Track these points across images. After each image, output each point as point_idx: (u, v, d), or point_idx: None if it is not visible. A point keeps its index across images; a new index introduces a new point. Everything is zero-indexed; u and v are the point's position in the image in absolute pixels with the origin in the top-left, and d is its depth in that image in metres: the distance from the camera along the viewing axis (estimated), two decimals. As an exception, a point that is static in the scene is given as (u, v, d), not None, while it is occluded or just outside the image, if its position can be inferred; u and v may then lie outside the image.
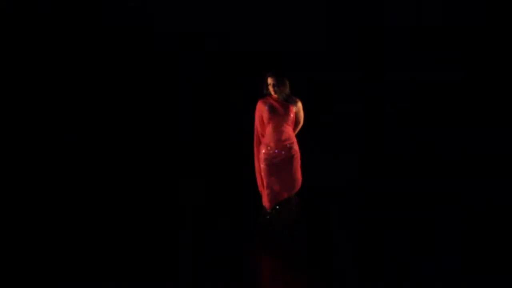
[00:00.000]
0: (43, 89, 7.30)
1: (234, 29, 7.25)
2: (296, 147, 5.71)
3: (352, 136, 7.29)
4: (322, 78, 7.13)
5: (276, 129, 5.63)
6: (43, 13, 7.20)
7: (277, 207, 5.68)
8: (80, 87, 7.35)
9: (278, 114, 5.63)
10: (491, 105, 7.19)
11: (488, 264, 5.05)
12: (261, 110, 5.67)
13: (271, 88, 5.60)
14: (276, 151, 5.64)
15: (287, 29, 7.19)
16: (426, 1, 7.20)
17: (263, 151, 5.67)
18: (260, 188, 5.80)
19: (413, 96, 7.29)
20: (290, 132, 5.69)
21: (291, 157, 5.66)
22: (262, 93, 5.67)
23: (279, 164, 5.64)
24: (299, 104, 5.70)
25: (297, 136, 5.77)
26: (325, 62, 7.18)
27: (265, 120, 5.65)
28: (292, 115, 5.66)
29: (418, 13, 7.20)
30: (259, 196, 5.79)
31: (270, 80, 5.59)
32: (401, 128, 7.30)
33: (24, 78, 7.26)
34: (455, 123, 7.27)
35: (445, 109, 7.27)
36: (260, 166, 5.72)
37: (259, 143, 5.77)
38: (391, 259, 5.20)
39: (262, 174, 5.70)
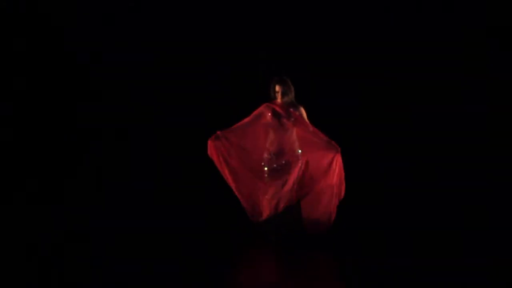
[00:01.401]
0: None
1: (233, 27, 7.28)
2: (298, 152, 5.73)
3: (351, 136, 7.30)
4: (322, 77, 7.16)
5: (278, 131, 5.68)
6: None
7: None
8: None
9: (281, 115, 5.69)
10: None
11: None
12: (264, 110, 5.73)
13: (278, 95, 5.73)
14: (276, 155, 5.68)
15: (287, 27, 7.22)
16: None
17: (265, 155, 5.71)
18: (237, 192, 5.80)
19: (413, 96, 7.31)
20: (293, 136, 5.72)
21: (293, 162, 5.69)
22: (269, 97, 5.79)
23: (282, 168, 5.68)
24: (302, 109, 5.80)
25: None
26: (325, 62, 7.20)
27: (268, 120, 5.70)
28: (294, 116, 5.69)
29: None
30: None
31: (277, 88, 5.73)
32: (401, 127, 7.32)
33: None
34: (455, 123, 7.28)
35: (445, 109, 7.29)
36: (264, 169, 5.76)
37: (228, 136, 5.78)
38: (391, 259, 5.21)
39: (266, 179, 5.72)
